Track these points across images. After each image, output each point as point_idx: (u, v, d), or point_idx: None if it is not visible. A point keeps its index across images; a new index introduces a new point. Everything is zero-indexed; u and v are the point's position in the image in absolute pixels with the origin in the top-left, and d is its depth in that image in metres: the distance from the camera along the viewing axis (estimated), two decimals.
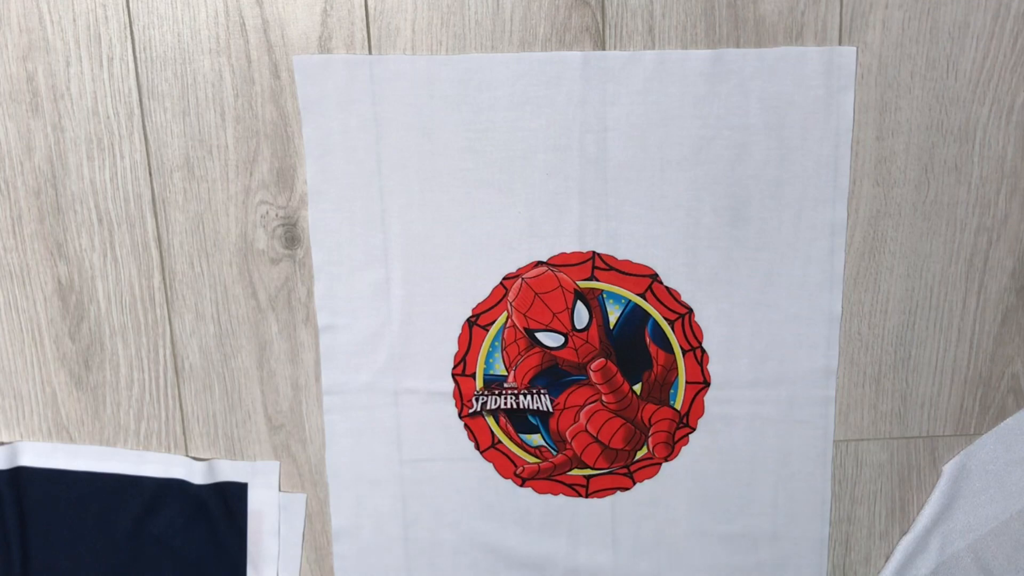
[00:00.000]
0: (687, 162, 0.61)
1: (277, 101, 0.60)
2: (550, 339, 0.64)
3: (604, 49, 0.59)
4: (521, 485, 0.67)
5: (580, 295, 0.63)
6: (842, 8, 0.59)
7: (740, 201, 0.62)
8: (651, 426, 0.65)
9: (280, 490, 0.67)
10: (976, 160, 0.62)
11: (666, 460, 0.66)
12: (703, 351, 0.64)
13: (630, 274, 0.63)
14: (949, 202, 0.63)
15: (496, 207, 0.62)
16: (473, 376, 0.65)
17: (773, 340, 0.64)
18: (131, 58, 0.59)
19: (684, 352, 0.64)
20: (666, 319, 0.64)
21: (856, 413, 0.66)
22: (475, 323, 0.64)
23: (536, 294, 0.63)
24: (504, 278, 0.63)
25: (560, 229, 0.62)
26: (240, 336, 0.64)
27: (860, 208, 0.63)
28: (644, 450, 0.66)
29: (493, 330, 0.64)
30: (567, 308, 0.63)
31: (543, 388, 0.65)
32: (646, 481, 0.67)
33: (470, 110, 0.60)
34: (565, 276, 0.63)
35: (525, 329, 0.64)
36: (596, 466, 0.67)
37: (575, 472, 0.67)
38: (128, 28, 0.59)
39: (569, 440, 0.66)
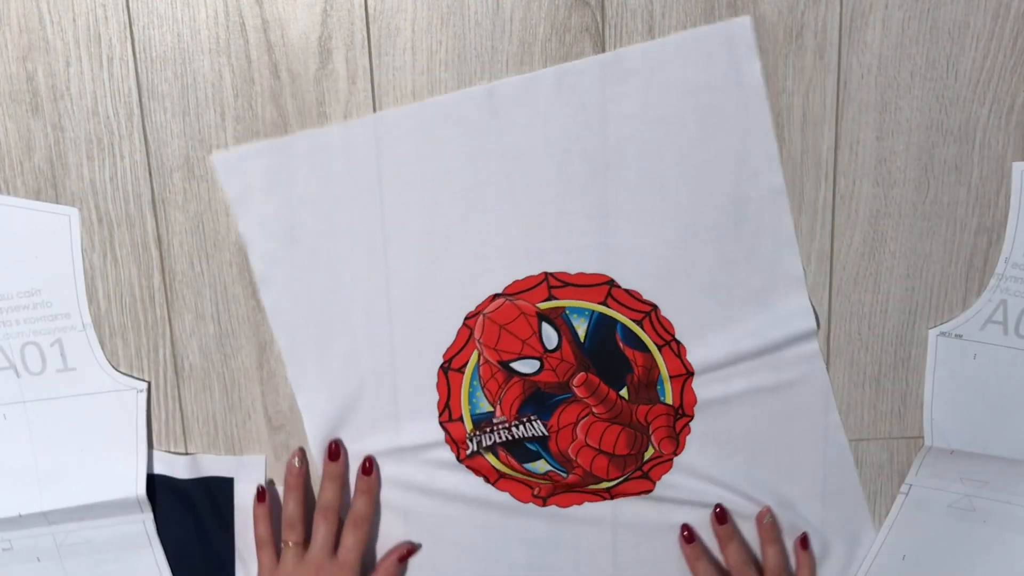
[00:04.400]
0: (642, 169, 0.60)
1: (277, 101, 0.60)
2: (526, 366, 0.64)
3: (604, 50, 0.59)
4: (543, 505, 0.67)
5: (544, 317, 0.63)
6: (842, 8, 0.59)
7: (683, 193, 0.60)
8: (649, 425, 0.65)
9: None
10: (976, 160, 0.62)
11: (675, 455, 0.66)
12: (678, 343, 0.63)
13: (586, 285, 0.62)
14: (949, 202, 0.63)
15: (451, 247, 0.61)
16: (461, 420, 0.65)
17: (744, 316, 0.63)
18: (131, 58, 0.59)
19: (659, 347, 0.64)
20: (632, 320, 0.63)
21: (856, 413, 0.66)
22: (449, 368, 0.64)
23: (500, 326, 0.63)
24: (466, 318, 0.63)
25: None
26: (240, 336, 0.64)
27: (860, 208, 0.63)
28: (651, 450, 0.66)
29: (468, 371, 0.64)
30: (534, 333, 0.63)
31: (532, 415, 0.65)
32: (664, 477, 0.66)
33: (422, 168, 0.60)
34: (524, 302, 0.63)
35: (499, 362, 0.64)
36: (609, 477, 0.66)
37: (593, 487, 0.67)
38: (128, 28, 0.59)
39: (574, 458, 0.66)
